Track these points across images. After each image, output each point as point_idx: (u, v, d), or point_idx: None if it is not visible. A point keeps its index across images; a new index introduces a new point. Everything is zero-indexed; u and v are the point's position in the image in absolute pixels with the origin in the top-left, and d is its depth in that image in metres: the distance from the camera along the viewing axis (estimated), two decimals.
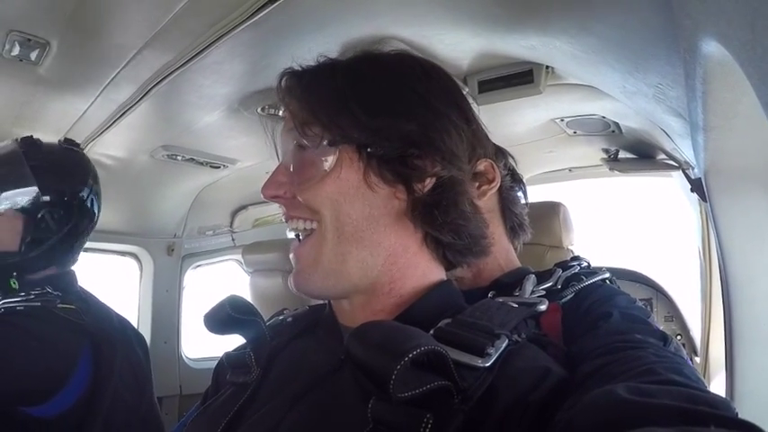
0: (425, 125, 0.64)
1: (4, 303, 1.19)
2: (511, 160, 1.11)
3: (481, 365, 0.51)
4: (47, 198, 1.26)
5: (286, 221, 0.68)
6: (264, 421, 0.62)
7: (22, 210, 1.25)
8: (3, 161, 1.27)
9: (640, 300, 1.30)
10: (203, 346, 2.72)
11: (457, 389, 0.48)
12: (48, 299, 1.22)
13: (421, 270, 0.67)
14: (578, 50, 1.05)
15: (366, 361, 0.48)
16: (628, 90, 1.08)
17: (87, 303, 1.32)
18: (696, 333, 1.85)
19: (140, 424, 1.35)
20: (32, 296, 1.21)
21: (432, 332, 0.56)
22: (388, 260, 0.64)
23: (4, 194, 1.24)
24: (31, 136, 1.33)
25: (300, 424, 0.58)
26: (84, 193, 1.34)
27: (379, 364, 0.47)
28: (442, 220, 0.64)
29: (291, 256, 0.68)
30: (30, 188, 1.25)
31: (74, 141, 1.45)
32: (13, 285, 1.22)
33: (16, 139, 1.31)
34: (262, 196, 0.69)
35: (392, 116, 0.64)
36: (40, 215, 1.25)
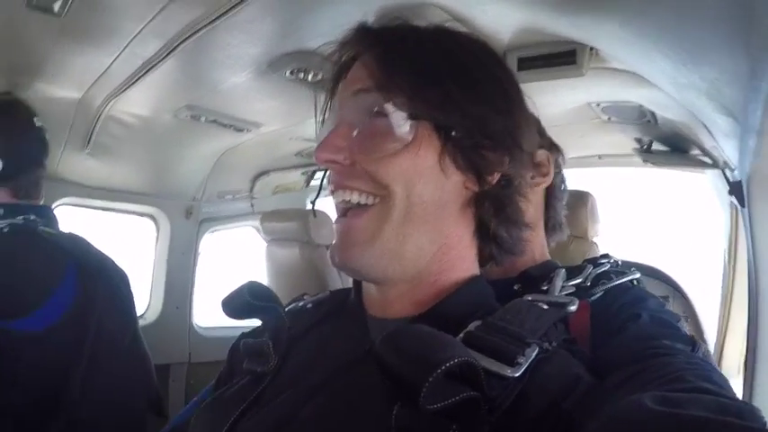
0: (506, 118, 0.63)
1: None
2: (561, 160, 1.10)
3: (510, 375, 0.48)
4: None
5: (333, 191, 0.63)
6: (282, 409, 0.60)
7: None
8: None
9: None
10: (215, 314, 2.70)
11: (485, 398, 0.46)
12: (31, 221, 1.29)
13: (467, 263, 0.66)
14: (630, 34, 0.99)
15: (397, 370, 0.46)
16: (678, 82, 1.02)
17: (65, 233, 1.39)
18: (710, 336, 1.81)
19: (125, 357, 1.39)
20: (18, 218, 1.28)
21: (461, 335, 0.54)
22: (441, 249, 0.63)
23: None
24: None
25: (319, 414, 0.56)
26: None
27: (411, 373, 0.44)
28: (502, 216, 0.64)
29: (337, 227, 0.64)
30: None
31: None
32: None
33: None
34: (316, 158, 0.63)
35: (483, 104, 0.62)
36: None
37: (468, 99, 0.61)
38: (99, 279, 1.35)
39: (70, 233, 1.42)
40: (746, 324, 1.23)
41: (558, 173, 1.08)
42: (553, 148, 1.07)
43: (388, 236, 0.60)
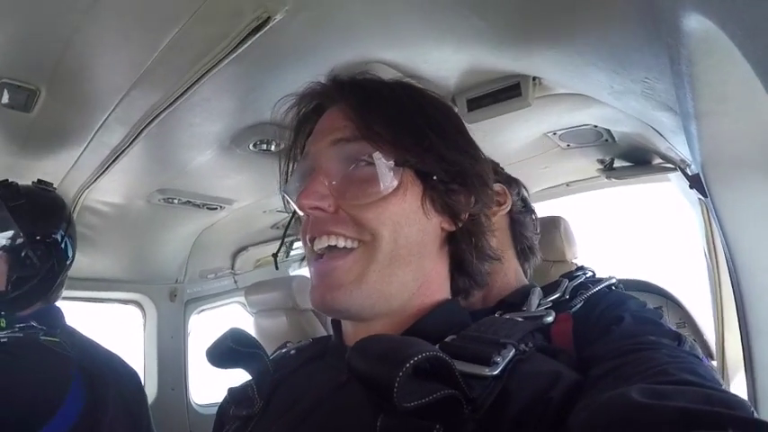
0: (476, 163, 0.69)
1: None
2: (524, 190, 1.18)
3: (489, 374, 0.49)
4: (28, 238, 1.31)
5: (314, 238, 0.64)
6: None
7: (6, 250, 1.29)
8: None
9: None
10: (213, 391, 2.66)
11: (466, 398, 0.47)
12: (31, 331, 1.24)
13: (442, 292, 0.69)
14: (562, 55, 1.05)
15: (368, 372, 0.47)
16: (615, 90, 1.08)
17: (73, 337, 1.33)
18: (710, 336, 1.80)
19: None
20: (16, 329, 1.22)
21: (437, 347, 0.54)
22: (423, 284, 0.66)
23: None
24: (6, 179, 1.38)
25: None
26: (62, 230, 1.40)
27: (381, 373, 0.45)
28: (475, 251, 0.69)
29: (317, 268, 0.65)
30: (9, 230, 1.30)
31: (46, 182, 1.49)
32: (1, 324, 1.24)
33: None
34: (299, 206, 0.65)
35: (457, 151, 0.67)
36: (23, 254, 1.30)
37: (446, 147, 0.66)
38: (107, 385, 1.30)
39: (74, 334, 1.37)
40: (737, 315, 1.23)
41: (519, 201, 1.14)
42: (511, 181, 1.14)
43: (375, 277, 0.61)
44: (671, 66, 0.73)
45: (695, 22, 0.57)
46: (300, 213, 0.69)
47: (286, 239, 2.65)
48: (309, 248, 0.66)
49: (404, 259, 0.63)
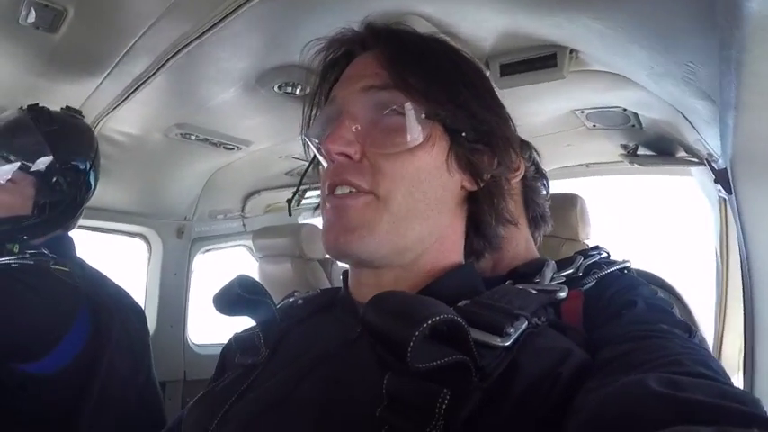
0: (505, 125, 0.69)
1: None
2: (535, 154, 1.17)
3: (501, 344, 0.49)
4: (59, 164, 1.31)
5: (334, 185, 0.63)
6: (276, 389, 0.59)
7: (36, 175, 1.29)
8: (14, 130, 1.31)
9: None
10: (209, 331, 2.70)
11: (475, 366, 0.47)
12: (42, 258, 1.25)
13: (458, 254, 0.69)
14: (605, 27, 1.02)
15: (383, 328, 0.47)
16: (655, 72, 1.05)
17: (83, 269, 1.34)
18: (709, 337, 1.81)
19: (137, 399, 1.34)
20: (27, 255, 1.23)
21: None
22: (438, 240, 0.65)
23: (18, 162, 1.28)
24: (37, 104, 1.36)
25: (312, 396, 0.56)
26: (90, 159, 1.40)
27: (397, 331, 0.45)
28: (494, 213, 0.69)
29: (331, 203, 0.63)
30: (44, 155, 1.30)
31: (75, 109, 1.50)
32: (14, 249, 1.24)
33: (21, 108, 1.35)
34: (325, 150, 0.63)
35: (488, 111, 0.66)
36: (53, 180, 1.30)
37: (478, 105, 0.65)
38: (113, 319, 1.31)
39: (84, 266, 1.38)
40: (743, 317, 1.22)
41: (532, 166, 1.13)
42: (523, 145, 1.12)
43: (387, 228, 0.61)
44: (720, 50, 0.71)
45: (756, 4, 0.54)
46: (321, 159, 0.68)
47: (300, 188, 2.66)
48: (326, 195, 0.65)
49: (422, 213, 0.62)
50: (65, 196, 1.34)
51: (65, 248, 1.36)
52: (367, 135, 0.62)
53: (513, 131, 0.71)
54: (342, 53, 0.72)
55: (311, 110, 0.75)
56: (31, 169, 1.28)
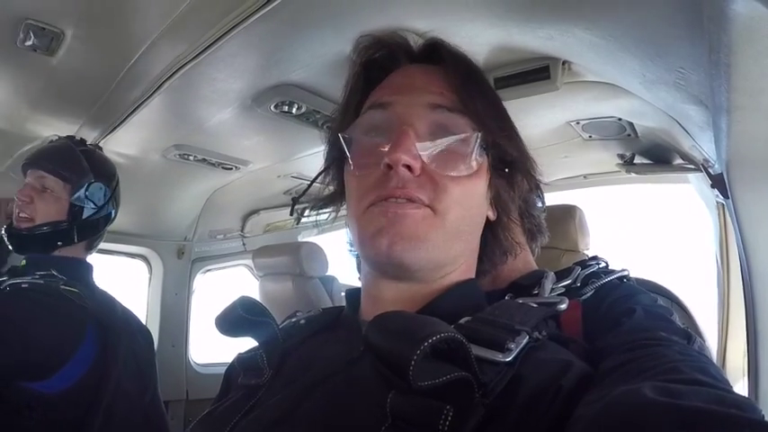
0: (527, 159, 0.73)
1: (9, 282, 1.26)
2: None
3: (502, 360, 0.49)
4: (93, 188, 1.48)
5: (390, 196, 0.61)
6: (279, 407, 0.59)
7: (71, 184, 1.44)
8: (67, 156, 1.46)
9: None
10: (211, 351, 2.70)
11: (477, 382, 0.47)
12: (51, 280, 1.29)
13: (472, 274, 0.72)
14: (596, 37, 1.03)
15: (385, 348, 0.47)
16: (647, 79, 1.06)
17: (92, 290, 1.38)
18: (712, 344, 1.80)
19: (142, 418, 1.36)
20: (37, 276, 1.28)
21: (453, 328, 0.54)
22: (465, 261, 0.69)
23: (71, 182, 1.44)
24: (73, 136, 1.56)
25: (315, 414, 0.55)
26: (112, 189, 1.55)
27: (399, 350, 0.45)
28: (504, 241, 0.74)
29: (385, 212, 0.61)
30: (86, 178, 1.46)
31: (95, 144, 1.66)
32: (22, 264, 1.31)
33: (68, 137, 1.55)
34: (390, 158, 0.60)
35: (520, 150, 0.71)
36: (85, 193, 1.46)
37: (517, 144, 0.70)
38: (120, 340, 1.35)
39: (93, 287, 1.42)
40: (745, 321, 1.22)
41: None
42: None
43: (436, 243, 0.62)
44: (709, 54, 0.71)
45: (741, 6, 0.55)
46: (354, 163, 0.66)
47: (297, 207, 2.67)
48: (376, 202, 0.62)
49: (464, 235, 0.66)
50: (95, 210, 1.47)
51: (79, 272, 1.41)
52: (430, 153, 0.63)
53: (533, 163, 0.74)
54: (386, 56, 0.72)
55: (346, 104, 0.73)
56: (70, 184, 1.43)
